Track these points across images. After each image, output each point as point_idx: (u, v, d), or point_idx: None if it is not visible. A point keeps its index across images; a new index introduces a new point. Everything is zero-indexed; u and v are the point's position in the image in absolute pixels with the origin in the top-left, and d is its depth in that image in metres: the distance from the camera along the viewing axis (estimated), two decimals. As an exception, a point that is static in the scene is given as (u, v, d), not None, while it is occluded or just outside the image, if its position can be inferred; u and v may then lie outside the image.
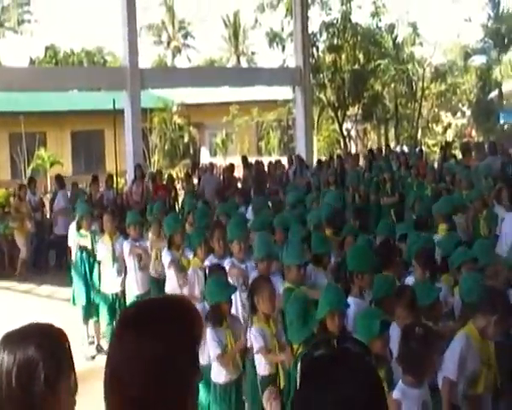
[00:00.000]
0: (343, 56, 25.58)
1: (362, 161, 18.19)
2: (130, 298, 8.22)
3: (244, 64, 47.69)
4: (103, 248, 8.56)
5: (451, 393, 4.48)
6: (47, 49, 42.36)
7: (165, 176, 16.76)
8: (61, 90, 22.22)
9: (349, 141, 28.34)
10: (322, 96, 25.57)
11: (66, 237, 10.09)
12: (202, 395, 5.37)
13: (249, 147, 29.89)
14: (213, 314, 5.31)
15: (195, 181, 17.20)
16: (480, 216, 9.50)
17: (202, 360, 4.85)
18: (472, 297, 4.90)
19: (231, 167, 16.39)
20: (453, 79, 27.92)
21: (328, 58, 25.51)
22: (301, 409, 1.47)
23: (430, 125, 30.16)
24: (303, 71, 20.31)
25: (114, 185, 15.57)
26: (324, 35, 25.69)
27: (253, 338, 5.24)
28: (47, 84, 17.74)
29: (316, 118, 26.28)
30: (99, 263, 8.73)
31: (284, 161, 18.11)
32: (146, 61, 40.09)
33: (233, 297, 5.84)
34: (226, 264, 6.59)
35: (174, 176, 18.87)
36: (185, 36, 51.10)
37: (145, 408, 1.58)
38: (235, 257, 6.70)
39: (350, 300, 5.20)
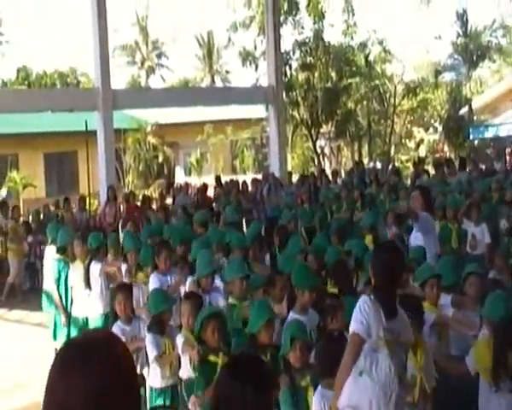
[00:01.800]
0: (316, 74, 25.78)
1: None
2: (93, 317, 8.20)
3: (219, 83, 47.85)
4: (75, 273, 8.56)
5: None
6: (19, 70, 42.12)
7: (140, 196, 16.69)
8: (33, 112, 22.06)
9: (323, 158, 28.52)
10: (295, 113, 25.73)
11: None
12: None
13: (224, 166, 29.94)
14: (155, 323, 5.80)
15: (170, 201, 17.16)
16: (452, 228, 9.61)
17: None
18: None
19: (204, 187, 16.38)
20: (424, 95, 28.29)
21: (301, 76, 25.68)
22: None
23: (403, 141, 30.49)
24: (276, 89, 20.44)
25: (87, 207, 15.49)
26: (297, 53, 25.90)
27: (177, 342, 5.57)
28: (19, 106, 17.59)
29: (289, 136, 26.42)
30: (71, 288, 8.70)
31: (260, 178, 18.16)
32: (120, 81, 40.13)
33: None
34: (188, 282, 6.84)
35: (149, 196, 18.75)
36: (159, 56, 51.16)
37: None
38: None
39: (291, 315, 5.55)
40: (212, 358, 5.02)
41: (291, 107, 25.13)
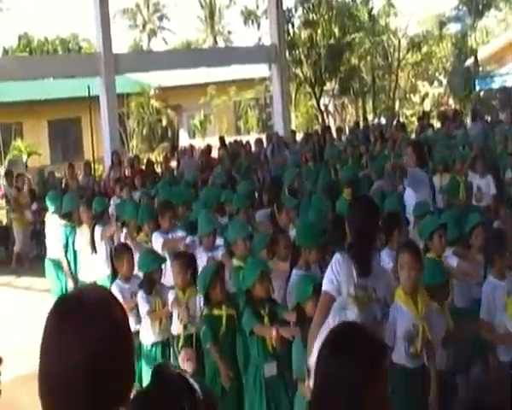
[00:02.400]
0: (319, 31, 25.47)
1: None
2: (100, 279, 8.19)
3: (221, 43, 47.39)
4: (82, 238, 8.63)
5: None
6: (20, 37, 41.85)
7: (144, 160, 16.66)
8: (35, 79, 21.96)
9: (327, 116, 28.33)
10: (298, 72, 25.49)
11: None
12: None
13: (228, 127, 29.75)
14: (145, 282, 6.00)
15: (175, 164, 17.12)
16: (460, 181, 9.53)
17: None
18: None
19: (208, 149, 16.33)
20: (428, 48, 27.92)
21: (304, 34, 25.39)
22: None
23: (408, 95, 30.19)
24: (278, 48, 20.23)
25: (92, 172, 15.49)
26: (299, 11, 25.59)
27: (169, 299, 5.83)
28: (20, 74, 17.51)
29: (293, 94, 26.21)
30: (79, 252, 8.76)
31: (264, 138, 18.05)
32: (122, 45, 39.78)
33: None
34: (187, 241, 6.88)
35: (153, 160, 18.72)
36: (160, 18, 50.66)
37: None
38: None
39: (294, 272, 5.57)
40: (216, 311, 5.25)
41: (294, 65, 24.91)
